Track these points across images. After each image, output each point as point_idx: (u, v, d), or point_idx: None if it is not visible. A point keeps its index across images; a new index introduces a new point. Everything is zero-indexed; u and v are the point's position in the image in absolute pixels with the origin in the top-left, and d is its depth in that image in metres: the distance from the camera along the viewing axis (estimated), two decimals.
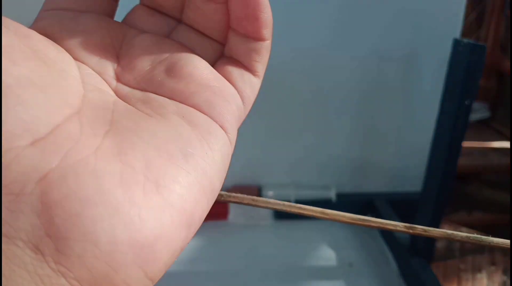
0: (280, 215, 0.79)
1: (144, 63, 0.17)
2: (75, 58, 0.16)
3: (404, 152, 0.81)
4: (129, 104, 0.16)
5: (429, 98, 0.75)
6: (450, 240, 0.20)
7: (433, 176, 0.63)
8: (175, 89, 0.16)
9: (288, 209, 0.21)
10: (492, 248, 0.78)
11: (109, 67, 0.17)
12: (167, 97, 0.16)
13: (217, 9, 0.17)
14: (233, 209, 0.77)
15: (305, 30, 0.71)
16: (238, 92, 0.18)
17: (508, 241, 0.20)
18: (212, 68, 0.18)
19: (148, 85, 0.16)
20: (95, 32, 0.17)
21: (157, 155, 0.14)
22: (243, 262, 0.68)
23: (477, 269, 0.73)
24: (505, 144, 1.25)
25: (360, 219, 0.21)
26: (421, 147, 0.76)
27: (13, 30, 0.14)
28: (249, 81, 0.18)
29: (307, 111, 0.77)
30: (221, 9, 0.17)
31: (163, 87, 0.16)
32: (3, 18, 0.14)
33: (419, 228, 0.21)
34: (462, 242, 0.19)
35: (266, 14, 0.17)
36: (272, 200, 0.21)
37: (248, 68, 0.18)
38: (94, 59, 0.17)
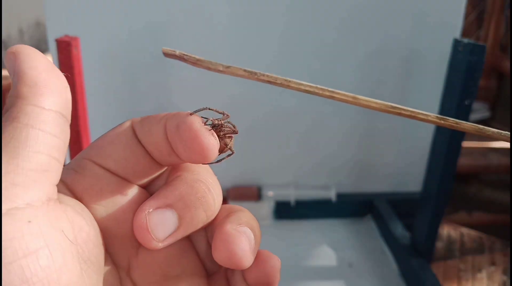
0: (280, 215, 0.79)
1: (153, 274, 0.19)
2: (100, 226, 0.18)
3: (404, 152, 0.81)
4: None
5: (429, 98, 0.75)
6: (480, 134, 0.20)
7: (433, 176, 0.63)
8: None
9: (320, 92, 0.21)
10: (492, 248, 0.78)
11: (125, 259, 0.19)
12: None
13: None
14: None
15: (305, 30, 0.71)
16: None
17: None
18: None
19: None
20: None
21: None
22: None
23: (477, 269, 0.73)
24: (505, 144, 1.25)
25: (391, 107, 0.21)
26: (421, 147, 0.77)
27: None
28: None
29: (307, 111, 0.77)
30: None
31: None
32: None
33: (451, 120, 0.21)
34: (493, 138, 0.20)
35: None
36: (304, 83, 0.21)
37: None
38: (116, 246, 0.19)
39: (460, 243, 0.80)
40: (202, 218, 0.19)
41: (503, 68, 1.41)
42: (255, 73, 0.20)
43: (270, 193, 0.79)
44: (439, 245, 0.79)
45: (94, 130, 0.56)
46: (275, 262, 0.20)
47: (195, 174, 0.19)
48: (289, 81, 0.21)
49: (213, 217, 0.19)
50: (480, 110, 1.45)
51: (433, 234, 0.65)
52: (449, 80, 0.58)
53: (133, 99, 0.73)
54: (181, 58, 0.20)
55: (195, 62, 0.20)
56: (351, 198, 0.82)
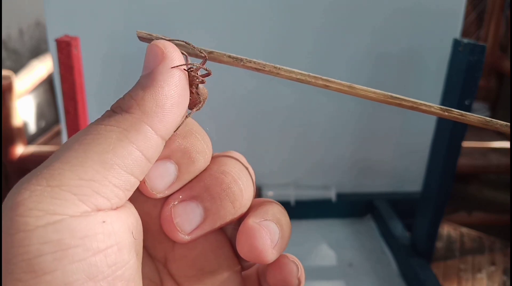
0: None
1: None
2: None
3: (404, 152, 0.81)
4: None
5: (429, 98, 0.75)
6: (486, 127, 0.18)
7: (433, 176, 0.63)
8: None
9: (313, 80, 0.19)
10: (492, 248, 0.78)
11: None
12: None
13: None
14: None
15: (306, 29, 0.71)
16: None
17: None
18: None
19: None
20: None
21: None
22: None
23: (477, 269, 0.73)
24: (505, 144, 1.25)
25: (391, 97, 0.18)
26: (421, 147, 0.77)
27: None
28: None
29: (307, 111, 0.77)
30: None
31: None
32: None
33: (455, 112, 0.18)
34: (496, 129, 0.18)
35: None
36: (296, 70, 0.19)
37: None
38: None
39: (460, 243, 0.80)
40: (229, 209, 0.18)
41: (503, 68, 1.41)
42: (241, 60, 0.19)
43: (270, 193, 0.78)
44: (439, 245, 0.79)
45: None
46: (292, 268, 0.20)
47: (221, 165, 0.19)
48: (279, 69, 0.19)
49: (243, 209, 0.19)
50: (480, 110, 1.45)
51: (433, 234, 0.65)
52: (449, 80, 0.58)
53: None
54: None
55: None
56: (351, 198, 0.82)
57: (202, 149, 0.18)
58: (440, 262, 0.74)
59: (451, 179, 0.61)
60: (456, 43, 0.56)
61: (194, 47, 0.19)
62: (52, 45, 0.63)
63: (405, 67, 0.75)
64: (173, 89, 0.17)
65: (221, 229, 0.20)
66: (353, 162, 0.82)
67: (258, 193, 0.79)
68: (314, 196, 0.80)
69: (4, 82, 1.05)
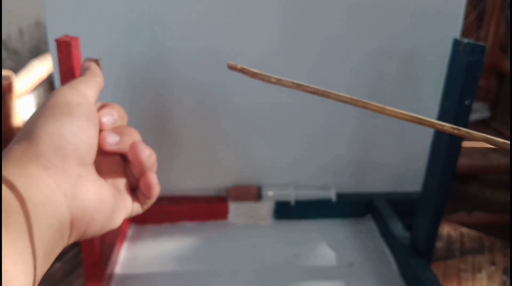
0: (280, 215, 0.79)
1: None
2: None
3: (404, 152, 0.81)
4: None
5: (429, 98, 0.75)
6: (489, 143, 0.22)
7: (433, 176, 0.63)
8: None
9: (354, 102, 0.23)
10: (492, 248, 0.78)
11: None
12: None
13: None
14: (233, 209, 0.77)
15: (306, 29, 0.71)
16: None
17: None
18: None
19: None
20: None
21: None
22: (242, 262, 0.68)
23: (477, 269, 0.73)
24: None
25: (415, 117, 0.22)
26: (421, 147, 0.77)
27: None
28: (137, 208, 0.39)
29: (307, 110, 0.77)
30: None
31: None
32: None
33: (463, 130, 0.23)
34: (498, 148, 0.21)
35: (154, 196, 0.38)
36: (342, 94, 0.24)
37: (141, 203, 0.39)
38: None
39: (460, 243, 0.80)
40: (128, 138, 0.36)
41: (503, 68, 1.41)
42: (301, 85, 0.25)
43: (270, 193, 0.78)
44: (439, 245, 0.79)
45: None
46: (142, 146, 0.36)
47: (130, 128, 0.38)
48: (329, 93, 0.25)
49: (132, 139, 0.37)
50: (480, 110, 1.45)
51: (433, 234, 0.65)
52: (449, 80, 0.58)
53: (133, 99, 0.73)
54: (241, 70, 0.24)
55: (253, 75, 0.24)
56: (351, 198, 0.82)
57: (123, 115, 0.38)
58: (440, 262, 0.74)
59: (451, 179, 0.61)
60: (456, 43, 0.56)
61: (268, 76, 0.25)
62: (52, 45, 0.63)
63: (405, 67, 0.75)
64: (96, 77, 0.39)
65: (123, 157, 0.38)
66: (353, 162, 0.82)
67: (258, 193, 0.79)
68: (314, 196, 0.80)
69: (4, 82, 1.05)
